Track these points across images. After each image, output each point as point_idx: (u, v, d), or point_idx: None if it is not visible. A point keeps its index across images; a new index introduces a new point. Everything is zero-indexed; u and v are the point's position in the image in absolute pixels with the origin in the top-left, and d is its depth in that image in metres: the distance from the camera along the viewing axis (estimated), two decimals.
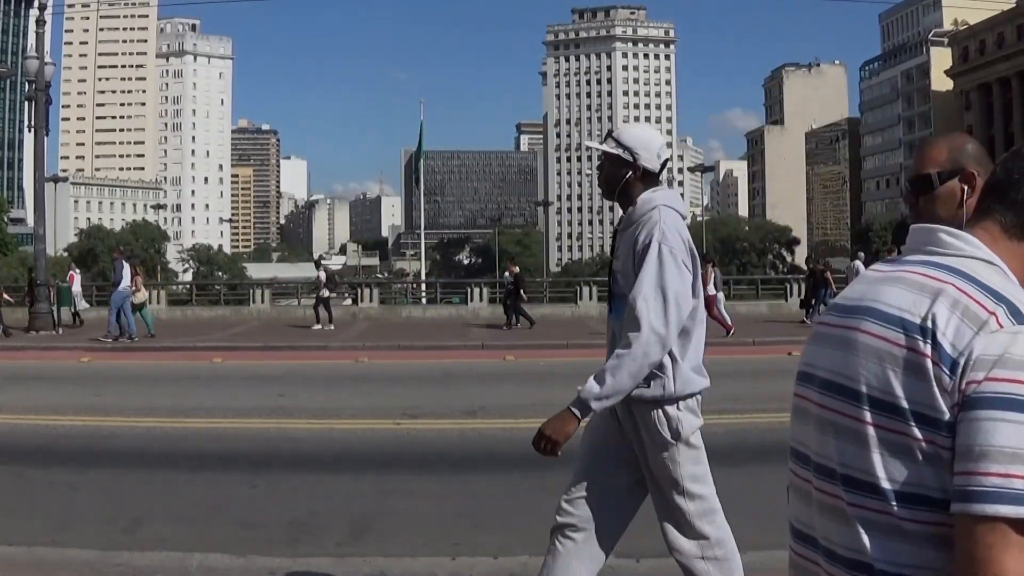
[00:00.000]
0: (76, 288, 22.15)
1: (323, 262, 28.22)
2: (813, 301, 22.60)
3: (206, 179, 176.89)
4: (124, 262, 19.79)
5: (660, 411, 3.08)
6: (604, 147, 3.19)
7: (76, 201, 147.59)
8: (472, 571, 4.59)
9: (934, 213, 2.11)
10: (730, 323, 19.24)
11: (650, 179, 3.20)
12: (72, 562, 4.63)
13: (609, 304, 3.31)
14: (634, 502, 3.29)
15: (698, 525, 3.19)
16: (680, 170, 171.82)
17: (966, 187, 2.09)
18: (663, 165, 3.24)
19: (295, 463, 7.42)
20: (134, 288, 19.72)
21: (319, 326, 22.16)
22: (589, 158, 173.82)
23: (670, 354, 3.05)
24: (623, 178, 3.17)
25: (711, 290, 19.05)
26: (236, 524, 5.51)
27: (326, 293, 22.81)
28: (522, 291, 23.49)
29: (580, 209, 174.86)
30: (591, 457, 3.24)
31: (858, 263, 22.27)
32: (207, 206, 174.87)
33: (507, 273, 24.15)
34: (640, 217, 3.12)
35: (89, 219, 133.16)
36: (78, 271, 22.77)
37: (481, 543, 5.09)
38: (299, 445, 8.17)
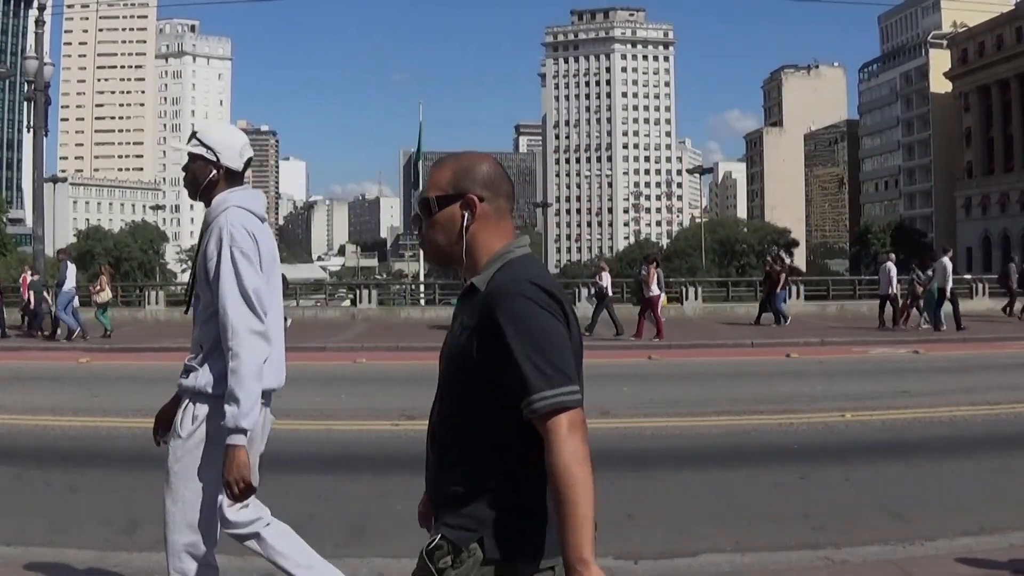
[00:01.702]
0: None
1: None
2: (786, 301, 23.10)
3: None
4: (69, 263, 20.07)
5: (192, 403, 3.12)
6: (188, 147, 3.23)
7: (75, 202, 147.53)
8: None
9: (434, 239, 2.02)
10: (662, 329, 18.57)
11: (234, 178, 3.24)
12: (70, 563, 4.62)
13: (187, 301, 3.35)
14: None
15: (168, 532, 3.13)
16: (679, 171, 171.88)
17: (467, 213, 1.98)
18: (247, 164, 3.28)
19: (293, 464, 7.40)
20: (99, 288, 19.97)
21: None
22: (588, 160, 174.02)
23: (211, 351, 3.07)
24: (207, 178, 3.21)
25: (655, 290, 18.62)
26: None
27: None
28: None
29: (579, 211, 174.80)
30: None
31: (889, 264, 22.20)
32: None
33: None
34: (213, 219, 3.15)
35: (88, 220, 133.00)
36: (30, 271, 22.62)
37: None
38: (297, 446, 8.15)
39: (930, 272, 21.27)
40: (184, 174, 3.28)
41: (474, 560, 1.92)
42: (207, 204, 3.22)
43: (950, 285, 20.64)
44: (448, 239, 2.03)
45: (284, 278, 24.42)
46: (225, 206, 3.14)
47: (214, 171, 3.20)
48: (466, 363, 1.97)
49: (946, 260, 21.04)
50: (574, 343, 1.98)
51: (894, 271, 21.72)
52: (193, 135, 3.26)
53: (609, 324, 19.65)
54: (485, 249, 2.03)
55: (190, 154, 3.23)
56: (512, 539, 1.93)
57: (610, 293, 20.78)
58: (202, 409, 3.10)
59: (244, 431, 2.93)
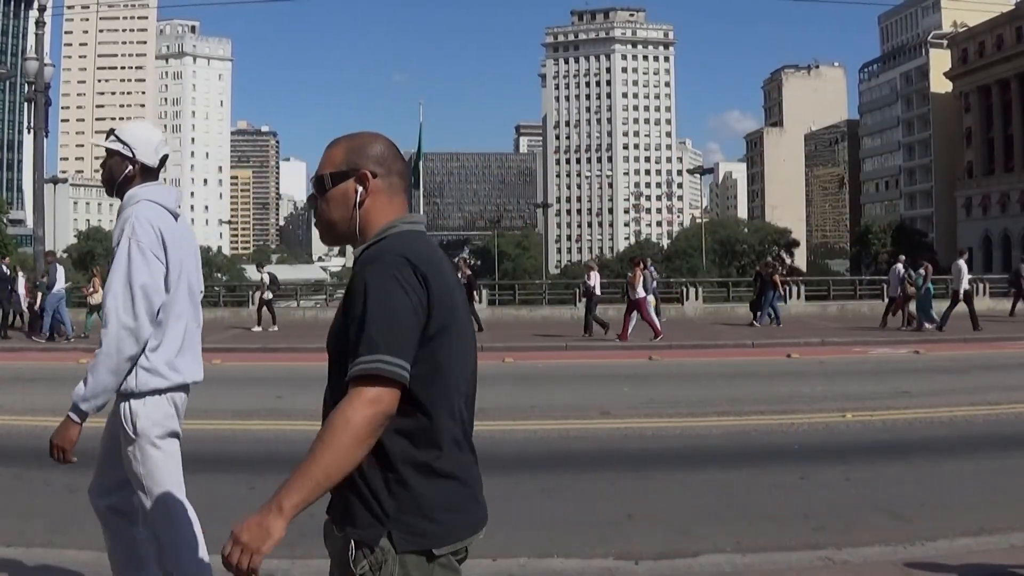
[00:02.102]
0: (19, 290, 22.08)
1: (265, 266, 28.27)
2: (773, 302, 23.23)
3: (205, 181, 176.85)
4: (58, 265, 20.26)
5: (126, 404, 3.14)
6: (106, 143, 3.29)
7: (75, 202, 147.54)
8: (471, 573, 4.57)
9: (329, 215, 2.08)
10: (659, 327, 18.59)
11: (149, 174, 3.30)
12: (70, 563, 4.63)
13: None
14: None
15: (153, 527, 3.21)
16: (679, 172, 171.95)
17: (360, 188, 2.04)
18: (162, 161, 3.35)
19: (293, 464, 7.40)
20: (92, 290, 20.17)
21: (259, 327, 22.16)
22: (588, 160, 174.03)
23: None
24: (123, 173, 3.27)
25: (640, 292, 18.52)
26: None
27: (269, 295, 22.98)
28: (474, 293, 24.37)
29: (579, 211, 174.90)
30: (105, 445, 3.32)
31: (899, 266, 22.28)
32: (206, 208, 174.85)
33: (459, 274, 24.22)
34: (123, 213, 3.21)
35: (88, 220, 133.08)
36: (21, 273, 22.65)
37: (479, 544, 5.07)
38: (297, 447, 8.12)
39: (922, 271, 21.47)
40: (101, 170, 3.36)
41: (391, 557, 1.89)
42: (122, 199, 3.27)
43: (964, 287, 20.81)
44: (343, 215, 2.05)
45: (275, 278, 24.47)
46: (135, 200, 3.20)
47: (130, 167, 3.26)
48: (341, 336, 1.95)
49: (961, 262, 21.34)
50: (439, 327, 1.91)
51: (903, 273, 21.88)
52: (111, 132, 3.32)
53: (606, 324, 19.67)
54: (376, 224, 2.03)
55: (107, 150, 3.29)
56: (418, 525, 1.89)
57: (598, 293, 20.78)
58: (137, 405, 3.13)
59: (83, 413, 3.03)
